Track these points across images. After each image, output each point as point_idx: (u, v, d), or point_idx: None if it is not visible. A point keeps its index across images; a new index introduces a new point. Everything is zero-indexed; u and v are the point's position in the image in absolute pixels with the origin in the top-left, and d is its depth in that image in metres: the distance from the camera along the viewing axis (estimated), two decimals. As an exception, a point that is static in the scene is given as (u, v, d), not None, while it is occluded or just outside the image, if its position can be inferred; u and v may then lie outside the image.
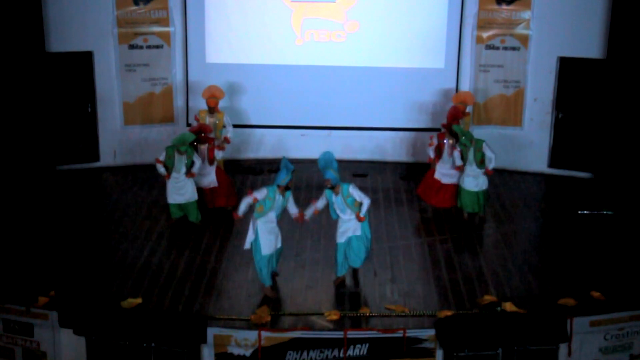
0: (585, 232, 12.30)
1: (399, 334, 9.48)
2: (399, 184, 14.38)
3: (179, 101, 15.12)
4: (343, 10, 14.77)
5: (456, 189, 12.77)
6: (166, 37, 14.82)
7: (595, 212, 12.91)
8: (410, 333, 9.50)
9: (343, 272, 10.70)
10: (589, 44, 14.12)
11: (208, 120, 13.34)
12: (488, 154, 12.38)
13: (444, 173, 12.88)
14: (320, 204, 10.56)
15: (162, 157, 12.16)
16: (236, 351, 9.52)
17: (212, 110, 13.38)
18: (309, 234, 12.10)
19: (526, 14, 14.42)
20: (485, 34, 14.66)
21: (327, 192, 10.47)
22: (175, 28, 14.82)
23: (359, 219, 10.44)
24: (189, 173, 12.19)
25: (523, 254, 11.64)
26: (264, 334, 9.45)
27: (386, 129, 15.23)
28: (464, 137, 12.30)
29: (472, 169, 12.42)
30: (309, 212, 10.60)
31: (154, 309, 9.91)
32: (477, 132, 14.12)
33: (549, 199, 13.96)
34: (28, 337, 9.94)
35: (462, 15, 14.58)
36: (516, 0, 14.42)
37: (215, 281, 10.75)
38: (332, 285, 10.65)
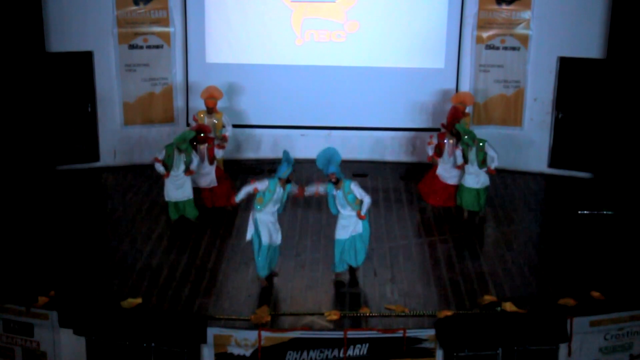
0: (585, 232, 12.30)
1: (399, 334, 9.48)
2: (399, 184, 14.38)
3: (179, 101, 15.13)
4: (343, 10, 14.78)
5: (456, 188, 12.78)
6: (166, 37, 14.82)
7: (595, 212, 12.91)
8: (410, 333, 9.50)
9: (341, 269, 10.74)
10: (589, 44, 14.12)
11: (207, 120, 13.35)
12: (491, 153, 12.38)
13: (444, 173, 12.89)
14: (322, 188, 10.64)
15: (161, 156, 12.16)
16: (236, 351, 9.52)
17: (210, 110, 13.39)
18: (309, 234, 12.10)
19: (526, 14, 14.43)
20: (485, 34, 14.66)
21: (328, 186, 10.54)
22: (175, 28, 14.82)
23: (359, 217, 10.48)
24: (187, 171, 12.22)
25: (523, 254, 11.64)
26: (264, 334, 9.44)
27: (386, 129, 15.24)
28: (466, 137, 12.30)
29: (473, 168, 12.42)
30: (310, 189, 10.70)
31: (154, 309, 9.91)
32: (477, 132, 14.05)
33: (549, 199, 13.96)
34: (28, 337, 9.94)
35: (462, 15, 14.59)
36: (516, 0, 14.43)
37: (215, 281, 10.75)
38: (332, 285, 10.65)
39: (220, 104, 14.44)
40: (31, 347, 9.97)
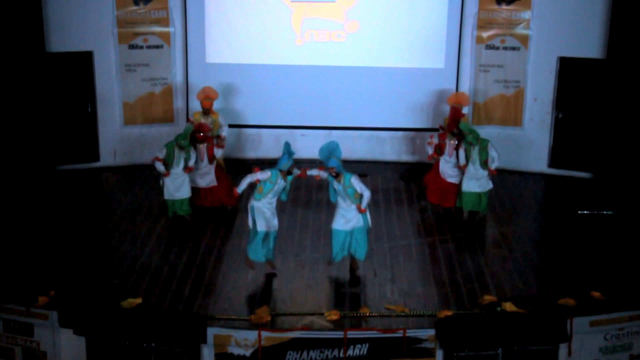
0: (585, 232, 12.30)
1: (399, 334, 9.48)
2: (399, 184, 14.38)
3: (179, 101, 15.13)
4: (343, 10, 14.77)
5: (457, 189, 12.78)
6: (166, 37, 14.82)
7: (595, 212, 12.91)
8: (410, 333, 9.50)
9: (340, 259, 10.87)
10: (589, 44, 14.12)
11: (203, 121, 13.35)
12: (492, 154, 12.39)
13: (447, 170, 12.90)
14: (323, 174, 10.80)
15: (161, 155, 12.18)
16: (236, 351, 9.51)
17: (207, 111, 13.39)
18: (309, 234, 12.11)
19: (526, 14, 14.42)
20: (485, 34, 14.66)
21: (329, 178, 10.71)
22: (175, 28, 14.82)
23: (359, 210, 10.58)
24: (187, 168, 12.24)
25: (523, 254, 11.64)
26: (264, 334, 9.45)
27: (386, 129, 15.24)
28: (470, 135, 12.29)
29: (474, 168, 12.42)
30: (311, 172, 10.90)
31: (154, 309, 9.91)
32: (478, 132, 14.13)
33: (549, 199, 13.96)
34: (28, 337, 9.94)
35: (462, 15, 14.58)
36: (516, 0, 14.42)
37: (215, 281, 10.75)
38: (332, 285, 10.66)
39: (220, 104, 14.47)
40: (31, 347, 9.97)
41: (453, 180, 12.91)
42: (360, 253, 10.88)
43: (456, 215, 12.87)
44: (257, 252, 10.74)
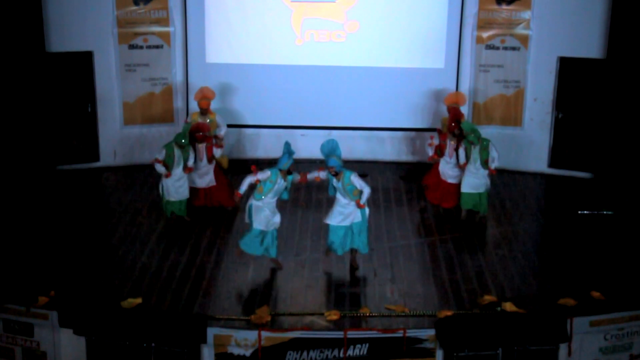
0: (585, 232, 12.30)
1: (399, 334, 9.48)
2: (399, 184, 14.38)
3: (178, 101, 15.13)
4: (343, 10, 14.77)
5: (458, 189, 12.78)
6: (166, 37, 14.82)
7: (595, 212, 12.91)
8: (410, 333, 9.50)
9: (341, 252, 10.96)
10: (589, 44, 14.12)
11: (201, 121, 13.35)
12: (493, 153, 12.39)
13: (447, 171, 12.90)
14: (323, 174, 10.89)
15: (161, 156, 12.17)
16: (236, 351, 9.52)
17: (204, 111, 13.38)
18: (309, 234, 12.11)
19: (526, 14, 14.42)
20: (485, 34, 14.65)
21: (328, 176, 10.79)
22: (175, 28, 14.82)
23: (358, 206, 10.66)
24: (186, 168, 12.24)
25: (523, 254, 11.64)
26: (264, 334, 9.45)
27: (386, 129, 15.23)
28: (472, 135, 12.28)
29: (475, 167, 12.42)
30: (311, 175, 10.96)
31: (154, 309, 9.91)
32: (477, 132, 14.15)
33: (549, 199, 13.96)
34: (28, 337, 9.94)
35: (462, 15, 14.58)
36: (516, 0, 14.42)
37: (216, 281, 10.75)
38: (332, 285, 10.66)
39: (220, 104, 14.48)
40: (31, 347, 9.97)
41: (453, 181, 12.91)
42: (363, 247, 10.94)
43: (456, 215, 12.86)
44: (251, 246, 10.82)
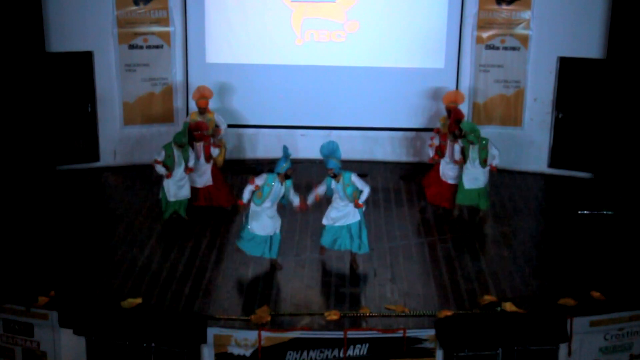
0: (585, 232, 12.30)
1: (399, 334, 9.48)
2: (399, 184, 14.38)
3: (178, 101, 15.12)
4: (343, 10, 14.77)
5: (457, 189, 12.79)
6: (166, 37, 14.82)
7: (595, 212, 12.91)
8: (410, 333, 9.50)
9: (337, 248, 11.07)
10: (589, 44, 14.12)
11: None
12: (492, 151, 12.38)
13: (448, 172, 12.90)
14: (321, 189, 10.89)
15: (160, 157, 12.17)
16: (236, 351, 9.52)
17: (202, 111, 13.39)
18: (309, 234, 12.10)
19: (526, 14, 14.42)
20: (485, 34, 14.66)
21: (327, 179, 10.78)
22: (175, 28, 14.82)
23: (357, 205, 10.69)
24: (187, 169, 12.24)
25: (523, 254, 11.64)
26: (264, 334, 9.45)
27: (386, 129, 15.24)
28: (472, 135, 12.27)
29: (474, 167, 12.42)
30: (310, 199, 10.94)
31: (154, 309, 9.91)
32: (477, 132, 14.15)
33: (549, 199, 13.96)
34: (28, 337, 9.94)
35: (462, 15, 14.58)
36: (516, 0, 14.42)
37: (215, 281, 10.75)
38: (332, 285, 10.66)
39: (220, 104, 14.48)
40: (31, 347, 9.97)
41: (453, 181, 12.89)
42: (364, 247, 10.96)
43: (452, 214, 12.87)
44: (247, 246, 10.87)
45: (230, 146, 14.95)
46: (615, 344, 9.95)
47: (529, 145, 14.86)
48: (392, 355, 9.53)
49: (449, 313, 9.80)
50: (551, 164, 14.85)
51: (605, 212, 12.91)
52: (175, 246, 11.72)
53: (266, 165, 14.83)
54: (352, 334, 9.46)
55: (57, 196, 13.41)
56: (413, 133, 15.22)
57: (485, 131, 14.32)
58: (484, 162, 12.40)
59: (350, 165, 14.42)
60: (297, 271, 11.04)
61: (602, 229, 12.38)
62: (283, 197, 10.74)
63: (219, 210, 12.89)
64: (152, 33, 14.73)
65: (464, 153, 12.45)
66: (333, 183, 10.73)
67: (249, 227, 10.77)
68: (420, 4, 14.70)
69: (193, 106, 14.50)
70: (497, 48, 14.67)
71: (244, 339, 9.47)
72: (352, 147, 14.98)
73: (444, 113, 13.54)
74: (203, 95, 13.47)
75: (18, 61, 13.48)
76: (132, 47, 14.68)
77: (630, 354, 10.07)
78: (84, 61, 14.47)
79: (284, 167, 10.56)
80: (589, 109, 14.28)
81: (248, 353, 9.51)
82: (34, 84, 13.70)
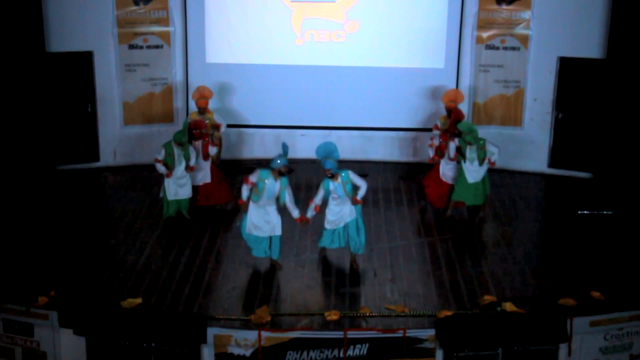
0: (585, 232, 12.30)
1: (399, 334, 9.48)
2: (399, 184, 14.38)
3: (178, 101, 15.13)
4: (343, 10, 14.77)
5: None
6: (166, 37, 14.82)
7: (595, 212, 12.91)
8: (410, 333, 9.50)
9: (335, 246, 11.16)
10: (589, 44, 14.12)
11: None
12: (491, 148, 12.37)
13: (449, 172, 12.90)
14: (318, 199, 10.84)
15: (160, 156, 12.17)
16: (236, 351, 9.52)
17: (202, 111, 13.40)
18: (309, 234, 12.10)
19: (526, 14, 14.43)
20: (485, 34, 14.66)
21: (323, 182, 10.76)
22: (175, 28, 14.82)
23: (355, 202, 10.73)
24: (188, 167, 12.24)
25: (523, 254, 11.64)
26: (264, 334, 9.45)
27: (386, 129, 15.24)
28: (469, 135, 12.27)
29: (473, 166, 12.40)
30: (310, 213, 10.85)
31: (154, 309, 9.91)
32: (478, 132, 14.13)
33: (549, 199, 13.96)
34: (28, 337, 9.94)
35: (462, 15, 14.58)
36: (516, 0, 14.43)
37: (215, 281, 10.75)
38: (332, 285, 10.66)
39: (220, 104, 14.48)
40: (31, 347, 9.97)
41: (453, 182, 12.88)
42: (361, 247, 10.97)
43: (456, 215, 12.86)
44: (251, 248, 10.96)
45: (231, 146, 14.95)
46: (615, 344, 9.95)
47: (529, 145, 14.86)
48: (392, 355, 9.53)
49: (449, 313, 9.79)
50: (551, 164, 14.86)
51: (605, 212, 12.90)
52: (175, 246, 11.72)
53: (266, 165, 14.86)
54: (352, 334, 9.46)
55: (57, 196, 13.41)
56: (413, 133, 15.22)
57: (485, 131, 14.35)
58: (482, 162, 12.40)
59: (350, 166, 14.39)
60: (297, 271, 11.04)
61: (602, 229, 12.38)
62: (280, 193, 10.69)
63: (219, 210, 12.88)
64: (152, 33, 14.74)
65: (459, 151, 12.44)
66: (331, 184, 10.69)
67: (245, 228, 10.77)
68: (420, 4, 14.70)
69: (193, 106, 14.51)
70: (497, 48, 14.67)
71: (244, 339, 9.47)
72: (352, 147, 14.99)
73: (444, 113, 13.54)
74: (203, 95, 13.48)
75: (18, 61, 13.48)
76: (132, 47, 14.68)
77: (630, 354, 10.07)
78: (84, 61, 14.47)
79: (278, 163, 10.52)
80: (589, 109, 14.28)
81: (248, 353, 9.51)
82: (34, 84, 13.70)
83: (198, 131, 12.66)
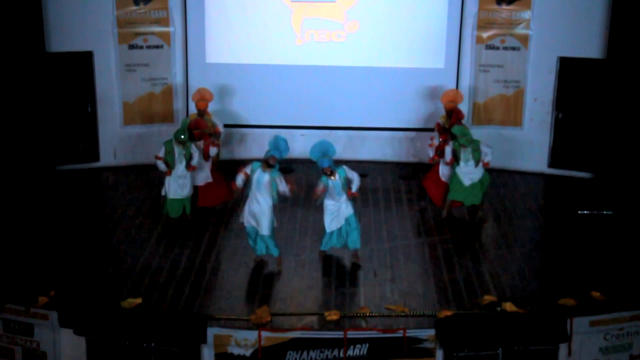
0: (585, 232, 12.30)
1: (399, 334, 9.48)
2: (399, 184, 14.38)
3: (178, 101, 15.13)
4: (343, 10, 14.77)
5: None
6: (166, 37, 14.82)
7: (595, 212, 12.91)
8: (410, 333, 9.50)
9: (329, 247, 11.28)
10: (589, 44, 14.13)
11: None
12: (485, 149, 12.39)
13: (446, 174, 12.89)
14: (321, 185, 10.93)
15: (161, 153, 12.19)
16: (236, 351, 9.52)
17: (202, 113, 13.39)
18: (309, 234, 12.11)
19: (526, 14, 14.43)
20: (485, 34, 14.66)
21: (323, 178, 10.86)
22: (175, 28, 14.83)
23: (351, 195, 10.87)
24: (189, 167, 12.24)
25: (523, 254, 11.64)
26: (264, 334, 9.45)
27: (386, 129, 15.24)
28: (463, 138, 12.29)
29: (467, 168, 12.41)
30: (319, 193, 10.98)
31: (154, 309, 9.91)
32: (477, 132, 14.13)
33: (549, 199, 13.96)
34: (28, 337, 9.94)
35: (462, 15, 14.58)
36: (516, 0, 14.43)
37: (215, 281, 10.75)
38: (332, 285, 10.66)
39: (220, 104, 14.49)
40: (31, 347, 9.97)
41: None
42: (357, 240, 11.09)
43: (456, 215, 12.86)
44: (253, 247, 11.12)
45: (231, 146, 14.95)
46: (615, 344, 9.95)
47: (529, 145, 14.86)
48: (392, 355, 9.53)
49: (449, 313, 9.79)
50: (551, 164, 14.86)
51: (605, 212, 12.91)
52: (175, 246, 11.72)
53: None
54: (352, 334, 9.46)
55: (57, 196, 13.41)
56: (413, 133, 15.22)
57: (485, 131, 14.37)
58: (477, 163, 12.41)
59: (350, 165, 14.42)
60: (297, 271, 11.04)
61: (602, 229, 12.38)
62: (271, 186, 10.80)
63: (219, 210, 12.88)
64: (152, 33, 14.74)
65: (454, 154, 12.46)
66: (330, 182, 10.79)
67: (244, 219, 10.96)
68: (420, 4, 14.70)
69: (193, 106, 14.52)
70: (497, 48, 14.68)
71: (244, 339, 9.47)
72: (352, 147, 14.99)
73: (443, 112, 13.53)
74: (203, 98, 13.47)
75: (18, 61, 13.48)
76: (132, 47, 14.68)
77: (630, 354, 10.07)
78: (84, 61, 14.47)
79: (267, 154, 10.74)
80: (589, 109, 14.28)
81: (248, 353, 9.51)
82: (34, 84, 13.71)
83: (199, 131, 12.66)
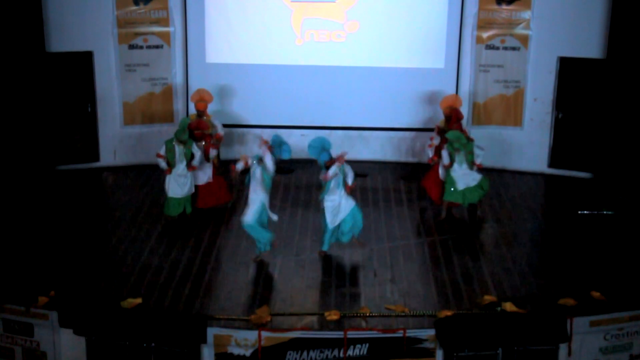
0: (585, 232, 12.30)
1: (399, 334, 9.48)
2: (399, 184, 14.38)
3: (178, 101, 15.13)
4: (343, 10, 14.78)
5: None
6: (166, 37, 14.82)
7: (595, 212, 12.91)
8: (410, 333, 9.50)
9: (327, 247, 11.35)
10: (589, 44, 14.13)
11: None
12: (477, 151, 12.40)
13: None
14: (332, 171, 11.07)
15: (162, 152, 12.21)
16: (236, 351, 9.51)
17: (201, 114, 13.39)
18: (309, 234, 12.11)
19: (526, 14, 14.43)
20: (485, 34, 14.66)
21: (333, 167, 11.06)
22: (175, 28, 14.83)
23: (349, 188, 11.07)
24: (190, 166, 12.23)
25: (523, 254, 11.63)
26: (264, 334, 9.44)
27: (386, 129, 15.24)
28: (457, 142, 12.30)
29: (461, 168, 12.41)
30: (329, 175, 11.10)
31: (154, 309, 9.91)
32: (477, 132, 14.16)
33: (549, 199, 13.96)
34: (28, 337, 9.94)
35: (462, 15, 14.58)
36: (516, 0, 14.43)
37: (215, 281, 10.75)
38: (332, 285, 10.66)
39: (220, 104, 14.49)
40: (31, 347, 9.96)
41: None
42: (359, 228, 11.34)
43: (456, 215, 12.86)
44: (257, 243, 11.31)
45: (231, 146, 14.95)
46: (615, 344, 9.95)
47: (529, 145, 14.86)
48: (392, 355, 9.52)
49: (449, 313, 9.79)
50: (551, 164, 14.86)
51: (605, 212, 12.90)
52: (175, 246, 11.72)
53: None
54: (352, 334, 9.46)
55: (57, 196, 13.41)
56: (413, 133, 15.22)
57: (485, 131, 14.38)
58: (471, 164, 12.43)
59: (350, 166, 14.44)
60: (297, 271, 11.04)
61: (602, 229, 12.38)
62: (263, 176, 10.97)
63: (219, 210, 12.88)
64: (152, 33, 14.74)
65: (452, 158, 12.47)
66: (333, 167, 10.98)
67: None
68: (420, 4, 14.70)
69: (193, 106, 14.53)
70: (497, 48, 14.68)
71: (244, 339, 9.47)
72: (352, 147, 14.95)
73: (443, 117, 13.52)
74: (202, 98, 13.47)
75: (18, 61, 13.49)
76: (132, 47, 14.68)
77: (630, 354, 10.07)
78: (84, 61, 14.47)
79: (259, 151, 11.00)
80: (589, 109, 14.28)
81: (248, 353, 9.51)
82: (34, 84, 13.71)
83: (200, 132, 12.66)
